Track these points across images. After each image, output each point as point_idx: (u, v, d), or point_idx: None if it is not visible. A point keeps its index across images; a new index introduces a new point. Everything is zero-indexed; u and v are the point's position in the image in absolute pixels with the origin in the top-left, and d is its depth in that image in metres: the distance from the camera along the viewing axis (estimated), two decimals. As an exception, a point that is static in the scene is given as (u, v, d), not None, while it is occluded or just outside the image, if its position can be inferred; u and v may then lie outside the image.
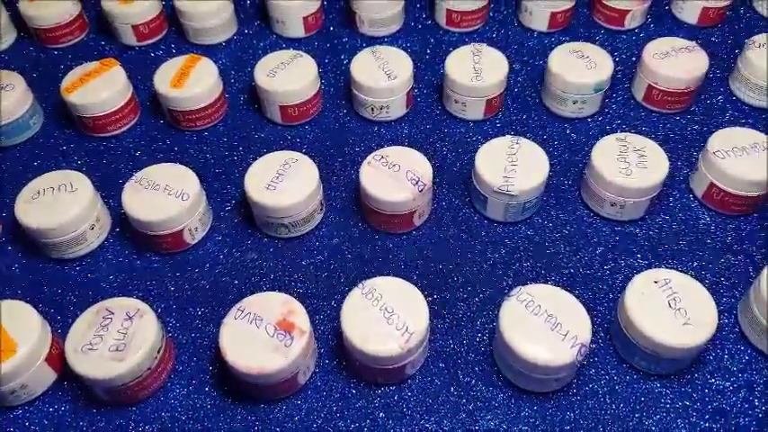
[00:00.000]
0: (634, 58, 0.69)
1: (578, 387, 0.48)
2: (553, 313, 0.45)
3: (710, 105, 0.65)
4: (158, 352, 0.46)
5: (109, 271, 0.55)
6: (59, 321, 0.51)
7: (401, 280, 0.48)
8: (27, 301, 0.48)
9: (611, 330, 0.50)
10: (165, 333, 0.48)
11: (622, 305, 0.47)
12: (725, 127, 0.57)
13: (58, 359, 0.48)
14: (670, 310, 0.46)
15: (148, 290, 0.53)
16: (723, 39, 0.71)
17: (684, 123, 0.64)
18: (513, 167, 0.54)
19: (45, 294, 0.53)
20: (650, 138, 0.57)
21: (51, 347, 0.47)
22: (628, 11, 0.70)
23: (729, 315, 0.51)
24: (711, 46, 0.68)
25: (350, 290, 0.47)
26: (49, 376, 0.48)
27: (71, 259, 0.55)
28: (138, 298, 0.48)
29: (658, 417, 0.46)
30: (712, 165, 0.55)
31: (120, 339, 0.45)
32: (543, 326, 0.45)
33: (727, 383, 0.48)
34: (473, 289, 0.53)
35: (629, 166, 0.54)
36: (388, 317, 0.45)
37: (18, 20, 0.73)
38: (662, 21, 0.73)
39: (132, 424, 0.47)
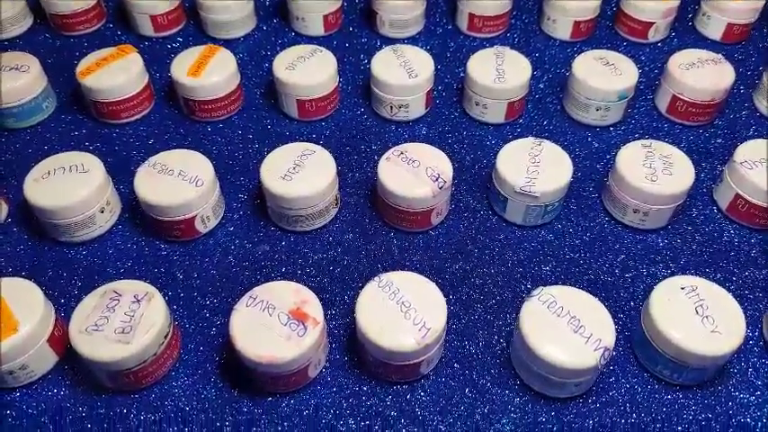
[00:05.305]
0: (656, 71, 0.68)
1: (598, 395, 0.46)
2: (576, 315, 0.44)
3: (734, 120, 0.64)
4: (165, 337, 0.45)
5: (116, 256, 0.53)
6: (63, 305, 0.50)
7: (419, 275, 0.46)
8: (31, 282, 0.47)
9: (632, 338, 0.48)
10: (172, 319, 0.46)
11: (647, 310, 0.45)
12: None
13: (60, 342, 0.46)
14: (697, 316, 0.44)
15: (156, 277, 0.52)
16: (747, 55, 0.71)
17: (707, 137, 0.63)
18: (535, 168, 0.52)
19: (50, 277, 0.52)
20: (673, 148, 0.56)
21: (54, 329, 0.46)
22: (651, 23, 0.70)
23: (754, 328, 0.49)
24: (735, 62, 0.67)
25: (363, 286, 0.46)
26: (51, 358, 0.46)
27: (79, 243, 0.53)
28: (145, 284, 0.46)
29: (680, 428, 0.45)
30: (739, 176, 0.54)
31: (126, 322, 0.43)
32: (566, 328, 0.43)
33: (752, 398, 0.46)
34: (490, 291, 0.51)
35: (654, 172, 0.52)
36: (405, 311, 0.44)
37: (34, 5, 0.72)
38: (685, 35, 0.73)
39: (134, 412, 0.45)
